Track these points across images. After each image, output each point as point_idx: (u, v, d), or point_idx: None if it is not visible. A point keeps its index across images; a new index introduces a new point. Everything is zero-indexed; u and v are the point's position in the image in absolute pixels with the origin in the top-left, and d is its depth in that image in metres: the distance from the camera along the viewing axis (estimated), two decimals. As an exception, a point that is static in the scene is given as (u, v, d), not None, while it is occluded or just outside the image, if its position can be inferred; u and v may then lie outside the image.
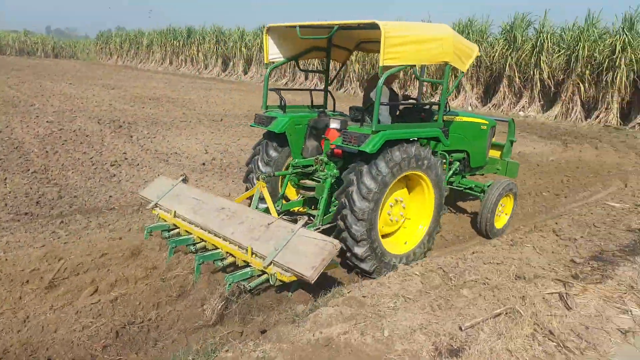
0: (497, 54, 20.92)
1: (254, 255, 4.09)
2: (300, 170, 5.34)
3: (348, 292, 4.04)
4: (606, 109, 17.68)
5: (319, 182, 5.19)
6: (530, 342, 3.29)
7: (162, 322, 3.94)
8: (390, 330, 3.34)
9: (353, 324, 3.41)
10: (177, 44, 41.21)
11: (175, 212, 4.91)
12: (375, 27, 4.29)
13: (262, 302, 4.22)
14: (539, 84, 19.98)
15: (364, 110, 5.11)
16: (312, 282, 3.68)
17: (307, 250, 3.84)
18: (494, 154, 6.84)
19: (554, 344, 3.30)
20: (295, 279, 3.84)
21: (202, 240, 4.64)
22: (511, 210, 6.41)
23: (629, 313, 3.78)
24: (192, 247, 4.59)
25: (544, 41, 19.64)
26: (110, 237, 5.37)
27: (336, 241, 3.89)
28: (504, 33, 21.21)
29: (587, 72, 18.29)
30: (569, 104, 19.01)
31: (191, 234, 4.74)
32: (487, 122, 6.40)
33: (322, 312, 3.60)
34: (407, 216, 5.18)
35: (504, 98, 21.13)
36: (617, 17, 18.10)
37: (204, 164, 8.99)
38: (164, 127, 12.12)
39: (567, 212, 7.09)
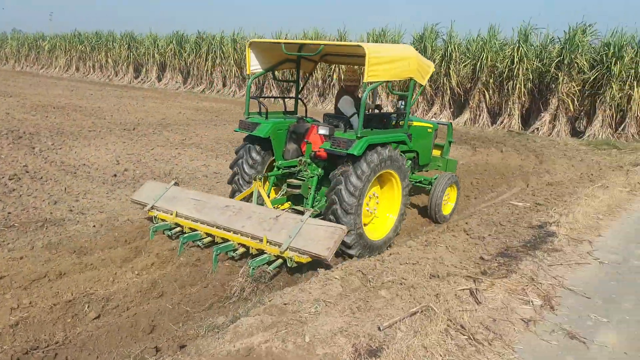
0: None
1: (268, 244, 4.76)
2: (287, 170, 5.92)
3: (269, 301, 4.02)
4: (509, 115, 19.13)
5: (302, 180, 5.81)
6: (444, 337, 3.46)
7: (70, 345, 3.69)
8: (311, 335, 3.36)
9: (274, 332, 3.39)
10: (84, 50, 38.91)
11: (176, 212, 5.46)
12: (359, 47, 5.12)
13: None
14: (449, 92, 21.17)
15: (338, 118, 6.11)
16: (328, 260, 4.52)
17: (318, 235, 4.63)
18: (436, 153, 7.90)
19: (465, 337, 3.50)
20: (310, 260, 4.63)
21: (209, 235, 5.22)
22: (455, 199, 7.52)
23: (530, 303, 4.10)
24: (199, 242, 5.19)
25: (452, 51, 20.88)
26: (10, 257, 4.94)
27: (344, 226, 4.73)
28: (415, 43, 22.29)
29: (491, 80, 19.68)
30: (476, 110, 20.32)
31: (197, 230, 5.27)
32: (432, 126, 7.43)
33: (242, 322, 3.54)
34: (380, 208, 6.00)
35: (417, 106, 22.12)
36: (514, 30, 19.73)
37: (115, 175, 8.55)
38: (70, 138, 11.39)
39: (477, 212, 7.55)
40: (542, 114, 18.28)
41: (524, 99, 18.64)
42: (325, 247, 4.50)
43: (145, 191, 6.03)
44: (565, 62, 18.02)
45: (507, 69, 18.97)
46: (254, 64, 6.20)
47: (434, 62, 20.93)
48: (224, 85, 30.32)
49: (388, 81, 5.70)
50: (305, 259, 4.60)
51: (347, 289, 4.24)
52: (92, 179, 8.23)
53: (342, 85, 6.56)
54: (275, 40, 6.24)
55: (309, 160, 5.88)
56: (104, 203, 7.06)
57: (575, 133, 17.86)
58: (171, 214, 5.47)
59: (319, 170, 5.80)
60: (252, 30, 34.14)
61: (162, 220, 5.58)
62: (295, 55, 6.27)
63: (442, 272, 4.64)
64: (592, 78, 17.49)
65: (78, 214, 6.54)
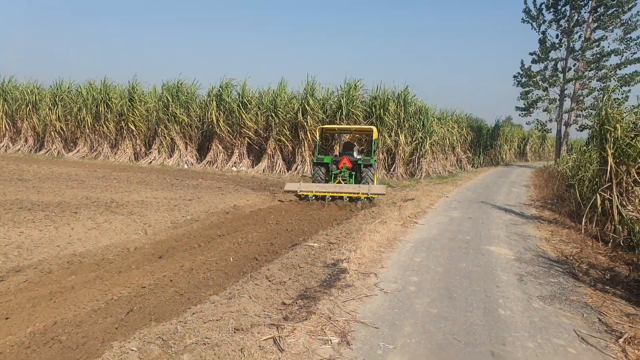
0: (210, 114, 22.12)
1: (360, 194, 12.59)
2: (338, 173, 14.19)
3: None
4: (302, 161, 20.51)
5: (344, 178, 14.05)
6: (250, 396, 3.33)
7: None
8: None
9: None
10: None
11: (314, 190, 12.91)
12: (370, 128, 15.13)
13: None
14: (246, 141, 21.82)
15: (349, 153, 14.99)
16: (385, 194, 13.40)
17: (378, 188, 12.99)
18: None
19: (271, 390, 3.42)
20: (377, 196, 12.88)
21: (331, 195, 12.87)
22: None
23: (329, 342, 4.26)
24: (325, 197, 12.72)
25: (247, 102, 21.73)
26: None
27: (386, 186, 14.75)
28: (212, 95, 22.64)
29: (285, 129, 20.98)
30: (273, 158, 21.29)
31: (325, 195, 12.82)
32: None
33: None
34: None
35: (217, 155, 22.23)
36: (302, 83, 21.60)
37: None
38: None
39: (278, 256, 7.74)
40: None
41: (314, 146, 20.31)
42: (383, 191, 12.93)
43: (289, 186, 13.27)
44: (344, 113, 20.30)
45: (296, 120, 20.51)
46: (319, 137, 14.87)
47: (231, 112, 21.56)
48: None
49: (374, 140, 15.18)
50: (376, 196, 12.69)
51: (145, 361, 3.83)
52: None
53: (348, 140, 18.59)
54: (334, 126, 15.73)
55: (345, 169, 14.13)
56: None
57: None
58: (311, 191, 12.92)
59: (352, 172, 14.17)
60: (24, 79, 30.21)
61: (306, 194, 12.90)
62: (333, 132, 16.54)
63: (246, 324, 4.55)
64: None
65: None
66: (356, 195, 12.54)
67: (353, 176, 14.12)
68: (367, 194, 12.46)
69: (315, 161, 13.88)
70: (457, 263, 7.25)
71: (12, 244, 7.52)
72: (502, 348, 4.40)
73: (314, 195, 12.70)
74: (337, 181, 13.98)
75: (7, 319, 4.89)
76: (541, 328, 4.91)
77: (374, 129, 14.96)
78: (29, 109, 26.57)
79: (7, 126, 26.87)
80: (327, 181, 14.15)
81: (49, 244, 7.65)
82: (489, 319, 5.06)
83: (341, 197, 12.69)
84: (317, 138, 14.55)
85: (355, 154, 14.95)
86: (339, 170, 13.92)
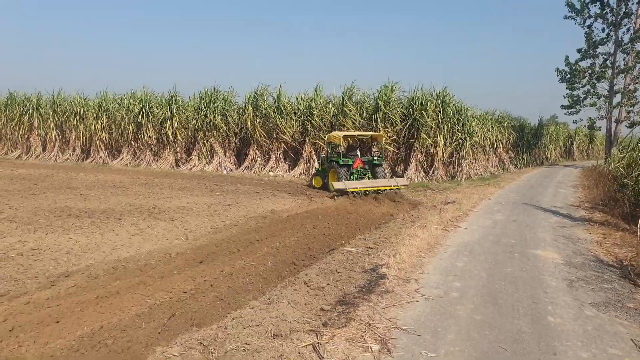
0: (246, 120, 22.46)
1: (392, 185, 15.19)
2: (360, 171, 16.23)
3: None
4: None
5: (360, 176, 16.11)
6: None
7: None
8: None
9: None
10: None
11: (359, 187, 14.68)
12: (381, 135, 18.09)
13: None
14: (282, 146, 22.00)
15: (354, 155, 16.83)
16: (407, 185, 16.60)
17: (403, 180, 16.13)
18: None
19: (311, 398, 3.39)
20: (404, 187, 15.78)
21: (372, 190, 14.88)
22: None
23: (369, 350, 4.19)
24: (366, 192, 14.58)
25: (282, 108, 21.92)
26: None
27: (407, 179, 18.43)
28: (249, 101, 22.98)
29: (322, 134, 21.01)
30: (308, 162, 21.36)
31: (367, 190, 14.81)
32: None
33: None
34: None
35: (254, 161, 22.49)
36: (340, 87, 21.73)
37: None
38: None
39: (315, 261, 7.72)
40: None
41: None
42: (407, 182, 16.41)
43: (337, 185, 14.53)
44: (380, 116, 20.17)
45: (335, 124, 20.54)
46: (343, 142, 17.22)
47: (267, 118, 21.84)
48: (44, 149, 27.37)
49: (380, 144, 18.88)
50: (403, 187, 15.62)
51: (187, 367, 3.87)
52: None
53: (352, 145, 19.22)
54: (354, 133, 17.86)
55: (359, 168, 16.03)
56: None
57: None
58: (357, 187, 14.58)
59: (364, 170, 16.16)
60: (72, 91, 31.53)
61: (352, 191, 14.43)
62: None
63: (285, 330, 4.54)
64: (404, 129, 19.84)
65: None
66: (389, 187, 15.20)
67: (367, 173, 16.47)
68: (397, 185, 15.36)
69: (341, 163, 16.02)
70: (502, 268, 7.02)
71: (62, 250, 7.83)
72: (553, 358, 4.20)
73: (355, 191, 14.73)
74: (364, 178, 16.37)
75: (57, 322, 5.07)
76: (595, 337, 4.67)
77: (383, 134, 18.62)
78: (77, 119, 27.71)
79: (57, 137, 28.11)
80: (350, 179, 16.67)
81: (95, 250, 7.92)
82: (538, 327, 4.85)
83: (378, 191, 15.05)
84: (342, 143, 16.72)
85: (358, 154, 17.19)
86: (355, 170, 16.14)
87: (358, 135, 18.35)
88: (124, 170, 23.64)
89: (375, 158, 17.14)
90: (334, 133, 16.84)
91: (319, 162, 20.23)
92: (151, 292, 5.97)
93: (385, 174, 16.74)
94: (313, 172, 20.02)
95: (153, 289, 6.11)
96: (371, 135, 18.04)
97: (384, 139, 18.12)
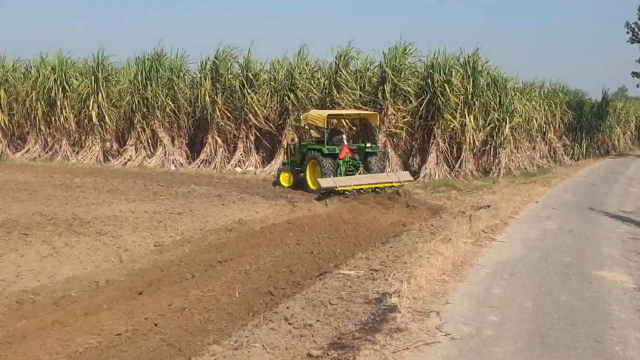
0: (203, 96, 22.26)
1: (393, 182, 15.94)
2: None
3: None
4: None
5: (350, 169, 16.66)
6: None
7: None
8: None
9: None
10: None
11: (353, 183, 15.04)
12: (374, 113, 18.39)
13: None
14: (253, 132, 21.93)
15: (340, 142, 17.12)
16: (413, 179, 18.07)
17: (404, 175, 16.72)
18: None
19: None
20: (407, 184, 16.27)
21: (368, 188, 15.51)
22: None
23: (375, 410, 4.22)
24: (361, 190, 15.07)
25: (253, 78, 21.87)
26: None
27: (410, 173, 18.22)
28: (206, 69, 22.82)
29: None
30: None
31: (361, 188, 15.19)
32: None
33: None
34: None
35: (214, 152, 22.40)
36: (332, 50, 21.83)
37: None
38: None
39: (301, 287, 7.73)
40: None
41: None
42: (409, 179, 16.66)
43: (325, 182, 14.79)
44: (388, 88, 20.16)
45: (323, 100, 20.59)
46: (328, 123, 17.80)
47: (232, 92, 21.77)
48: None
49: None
50: (405, 184, 15.97)
51: None
52: None
53: (336, 128, 19.54)
54: (341, 111, 19.30)
55: (347, 159, 16.48)
56: None
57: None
58: (350, 185, 14.81)
59: (354, 162, 16.65)
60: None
61: (345, 189, 14.65)
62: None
63: (258, 387, 4.55)
64: (420, 107, 19.90)
65: None
66: (390, 184, 15.67)
67: (359, 166, 16.60)
68: (399, 181, 15.76)
69: (325, 152, 15.83)
70: (554, 295, 7.11)
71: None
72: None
73: (347, 190, 14.77)
74: (356, 172, 16.51)
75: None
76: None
77: (377, 114, 18.26)
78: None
79: None
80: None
81: (-9, 278, 7.84)
82: (603, 376, 4.92)
83: (376, 190, 15.55)
84: (325, 126, 16.63)
85: (345, 141, 17.20)
86: (342, 161, 16.14)
87: (346, 114, 18.82)
88: (30, 166, 23.45)
89: (368, 145, 17.34)
90: (313, 111, 17.20)
91: (285, 152, 19.70)
92: (71, 336, 5.95)
93: (381, 165, 17.25)
94: (279, 165, 19.87)
95: (74, 330, 6.09)
96: (360, 114, 18.39)
97: (377, 118, 18.10)
